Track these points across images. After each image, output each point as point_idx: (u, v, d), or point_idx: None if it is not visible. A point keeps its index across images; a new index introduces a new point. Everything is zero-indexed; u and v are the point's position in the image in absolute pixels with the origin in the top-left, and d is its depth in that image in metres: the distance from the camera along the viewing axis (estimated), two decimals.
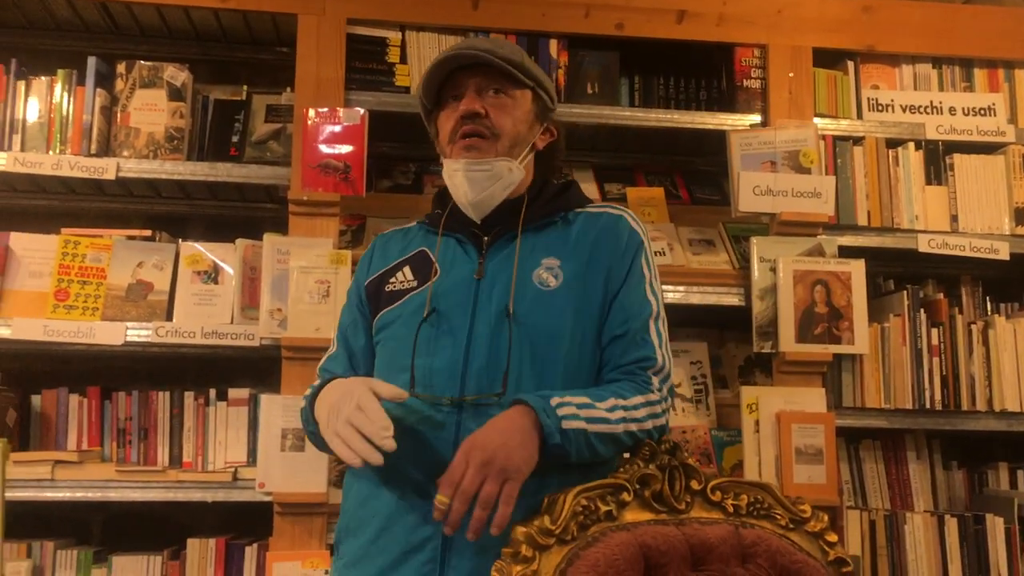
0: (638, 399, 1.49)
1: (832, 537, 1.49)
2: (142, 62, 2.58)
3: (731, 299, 2.59)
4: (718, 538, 1.42)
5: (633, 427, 1.47)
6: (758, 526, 1.47)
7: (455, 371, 1.49)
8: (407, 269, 1.64)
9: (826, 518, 1.51)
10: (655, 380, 1.53)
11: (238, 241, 2.52)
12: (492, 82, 1.61)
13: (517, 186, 1.64)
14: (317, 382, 1.63)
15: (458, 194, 1.62)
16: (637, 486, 1.43)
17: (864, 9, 2.72)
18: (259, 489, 2.34)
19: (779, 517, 1.48)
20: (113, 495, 2.38)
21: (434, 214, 1.71)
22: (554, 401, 1.42)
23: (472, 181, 1.59)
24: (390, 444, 1.36)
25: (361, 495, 1.55)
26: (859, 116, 2.73)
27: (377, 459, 1.35)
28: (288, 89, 2.61)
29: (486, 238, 1.61)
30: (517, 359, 1.49)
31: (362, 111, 2.51)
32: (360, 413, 1.38)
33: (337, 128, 2.50)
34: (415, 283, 1.61)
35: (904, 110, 2.74)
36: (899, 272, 2.83)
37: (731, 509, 1.47)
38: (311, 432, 1.58)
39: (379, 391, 1.43)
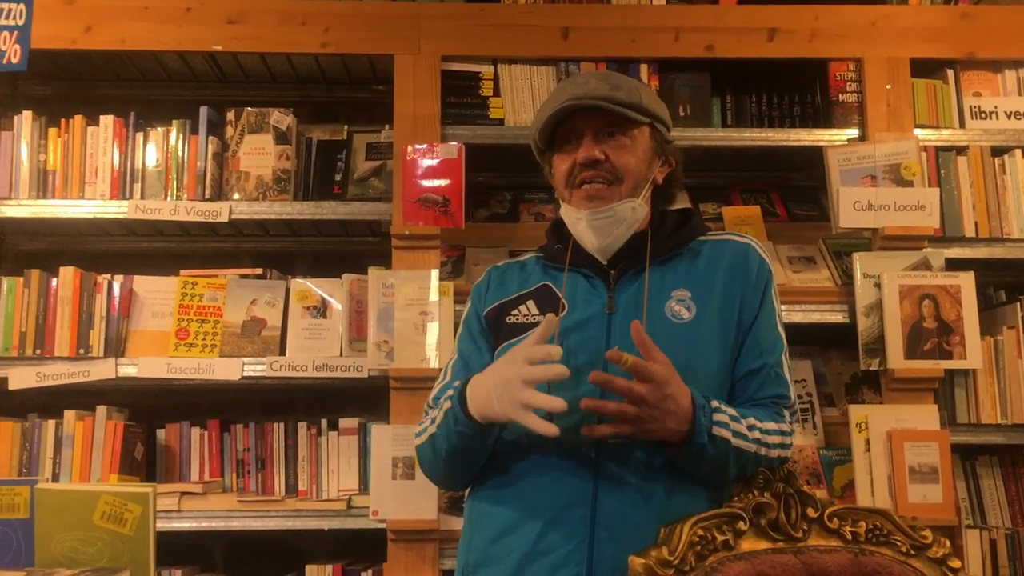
0: (772, 425, 1.52)
1: (956, 563, 1.47)
2: (249, 109, 2.70)
3: (835, 316, 2.55)
4: (838, 566, 1.41)
5: (763, 451, 1.49)
6: (878, 553, 1.45)
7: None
8: (530, 303, 1.62)
9: (948, 543, 1.49)
10: (787, 415, 1.56)
11: (344, 276, 2.61)
12: (609, 124, 1.58)
13: (640, 222, 1.62)
14: (436, 412, 1.60)
15: (583, 241, 1.61)
16: (752, 515, 1.44)
17: (962, 16, 2.66)
18: (372, 517, 2.41)
19: (899, 543, 1.46)
20: (236, 524, 2.49)
21: (553, 249, 1.68)
22: (713, 403, 1.45)
23: (596, 230, 1.58)
24: (563, 371, 1.39)
25: (494, 530, 1.53)
26: (962, 125, 2.66)
27: (559, 404, 1.39)
28: (386, 126, 2.69)
29: (612, 272, 1.60)
30: None
31: (458, 145, 2.57)
32: (530, 369, 1.40)
33: (435, 162, 2.56)
34: (541, 318, 1.58)
35: (1009, 116, 2.66)
36: (1011, 282, 2.74)
37: (849, 536, 1.46)
38: (460, 432, 1.51)
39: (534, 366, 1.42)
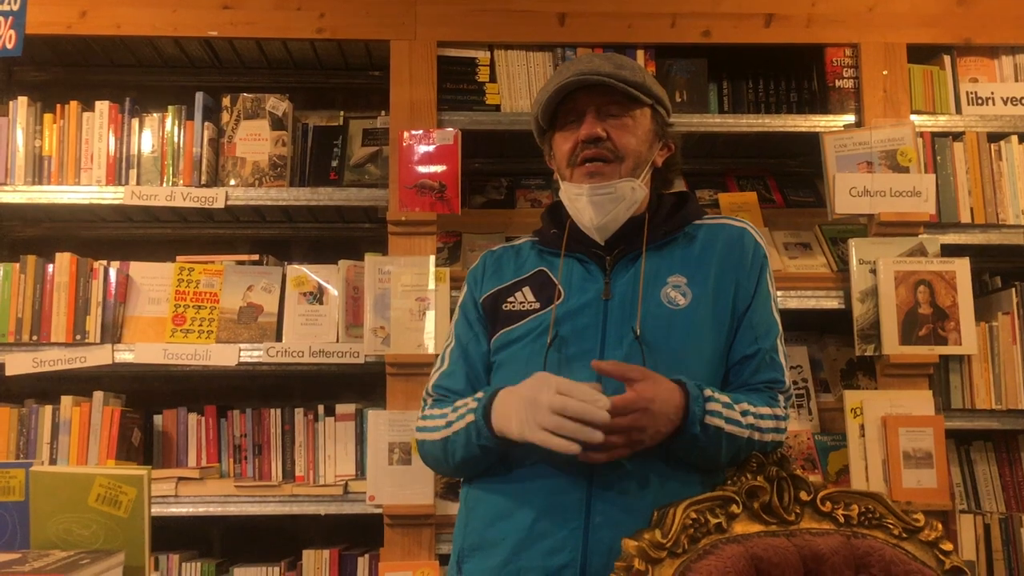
0: (766, 410, 1.52)
1: (947, 546, 1.47)
2: (245, 94, 2.69)
3: (830, 302, 2.56)
4: (830, 549, 1.42)
5: (756, 436, 1.49)
6: (870, 536, 1.46)
7: None
8: (527, 289, 1.62)
9: (940, 526, 1.49)
10: (781, 399, 1.56)
11: (341, 262, 2.61)
12: (613, 103, 1.57)
13: (639, 204, 1.62)
14: (431, 401, 1.61)
15: (582, 218, 1.60)
16: (745, 498, 1.45)
17: (959, 2, 2.66)
18: (369, 502, 2.42)
19: (892, 526, 1.47)
20: (233, 509, 2.50)
21: (549, 234, 1.67)
22: (707, 392, 1.45)
23: (596, 205, 1.57)
24: (604, 415, 1.36)
25: (489, 515, 1.53)
26: (958, 111, 2.66)
27: (597, 436, 1.36)
28: (382, 112, 2.70)
29: (608, 257, 1.59)
30: None
31: (454, 131, 2.57)
32: (562, 398, 1.37)
33: (431, 148, 2.56)
34: (537, 304, 1.58)
35: (1005, 102, 2.67)
36: (1006, 269, 2.75)
37: (842, 519, 1.47)
38: (482, 446, 1.49)
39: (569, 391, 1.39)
